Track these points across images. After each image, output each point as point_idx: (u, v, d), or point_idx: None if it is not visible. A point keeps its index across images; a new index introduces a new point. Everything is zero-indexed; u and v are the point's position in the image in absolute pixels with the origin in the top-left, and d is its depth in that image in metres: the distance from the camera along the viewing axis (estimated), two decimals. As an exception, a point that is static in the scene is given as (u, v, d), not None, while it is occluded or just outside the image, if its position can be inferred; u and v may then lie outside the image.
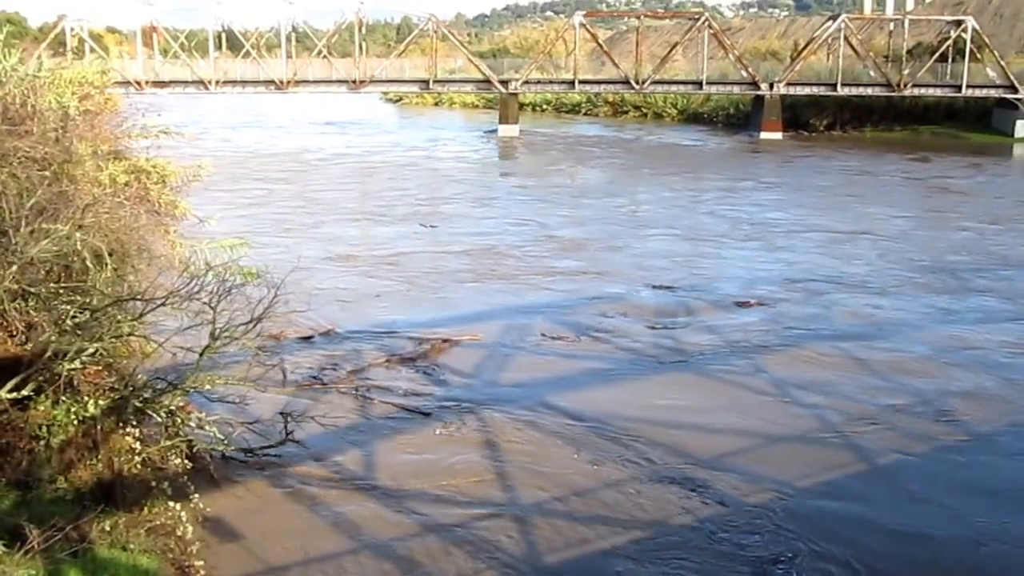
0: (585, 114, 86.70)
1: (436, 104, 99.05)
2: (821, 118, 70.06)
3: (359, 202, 39.06)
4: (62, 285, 13.48)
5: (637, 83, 67.72)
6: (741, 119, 73.32)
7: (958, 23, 67.54)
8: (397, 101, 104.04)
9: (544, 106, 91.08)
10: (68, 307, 12.98)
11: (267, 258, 18.05)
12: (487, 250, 30.66)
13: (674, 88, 72.31)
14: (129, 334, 13.65)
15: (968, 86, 65.02)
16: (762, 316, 23.42)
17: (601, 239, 32.95)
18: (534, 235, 33.34)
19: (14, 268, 12.19)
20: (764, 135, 66.34)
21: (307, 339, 20.57)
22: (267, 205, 38.75)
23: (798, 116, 69.35)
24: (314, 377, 18.50)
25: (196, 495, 12.93)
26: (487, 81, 68.79)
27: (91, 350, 12.65)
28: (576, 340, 21.41)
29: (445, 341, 20.32)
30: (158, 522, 12.04)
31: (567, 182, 47.30)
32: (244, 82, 68.00)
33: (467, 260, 29.44)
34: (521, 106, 74.05)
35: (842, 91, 66.78)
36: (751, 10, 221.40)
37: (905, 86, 65.61)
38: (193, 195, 20.84)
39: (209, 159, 22.58)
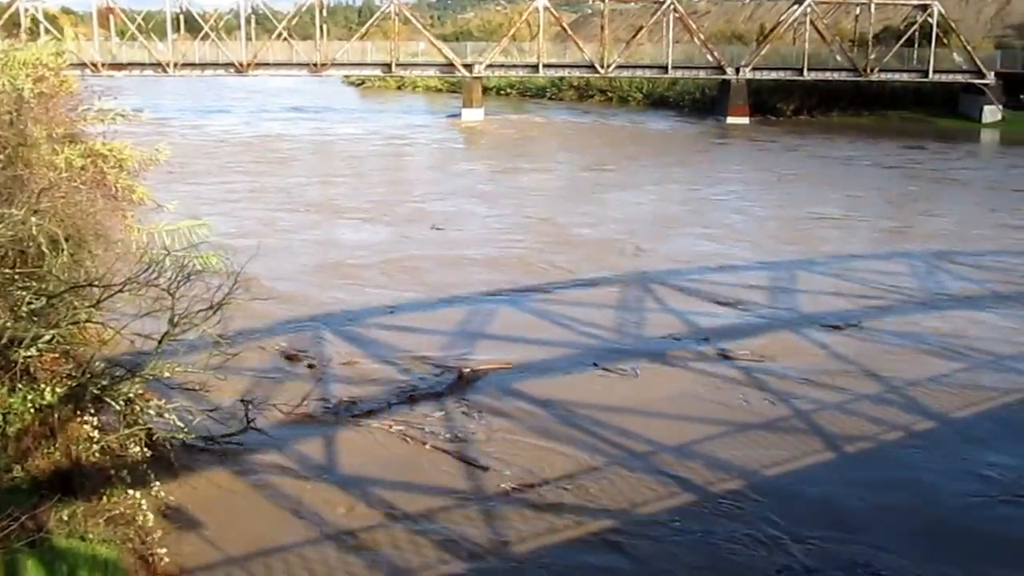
0: (550, 98, 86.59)
1: (399, 88, 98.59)
2: (788, 103, 70.32)
3: (346, 198, 37.81)
4: (17, 271, 13.20)
5: (602, 67, 67.64)
6: (707, 103, 73.44)
7: (924, 7, 67.81)
8: (359, 85, 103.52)
9: (508, 90, 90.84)
10: (24, 293, 12.72)
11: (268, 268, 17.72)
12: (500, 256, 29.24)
13: (639, 72, 72.27)
14: (87, 321, 13.41)
15: (935, 71, 65.40)
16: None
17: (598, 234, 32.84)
18: (549, 238, 31.09)
19: (-33, 254, 11.94)
20: (731, 120, 66.50)
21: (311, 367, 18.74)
22: (250, 201, 37.03)
23: (765, 101, 69.56)
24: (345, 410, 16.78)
25: (156, 484, 12.75)
26: (450, 65, 68.49)
27: (48, 337, 12.41)
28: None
29: (472, 371, 18.32)
30: (117, 511, 11.85)
31: (541, 175, 46.44)
32: (203, 65, 67.29)
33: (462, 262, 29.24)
34: (485, 90, 73.76)
35: (809, 76, 67.02)
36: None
37: (872, 71, 65.94)
38: (165, 188, 20.58)
39: (179, 147, 22.25)
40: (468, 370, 18.22)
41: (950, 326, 21.51)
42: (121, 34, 72.65)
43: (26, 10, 65.50)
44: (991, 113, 63.43)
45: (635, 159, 49.36)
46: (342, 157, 49.65)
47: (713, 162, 50.04)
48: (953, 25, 67.47)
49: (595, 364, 18.56)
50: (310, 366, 18.41)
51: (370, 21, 75.99)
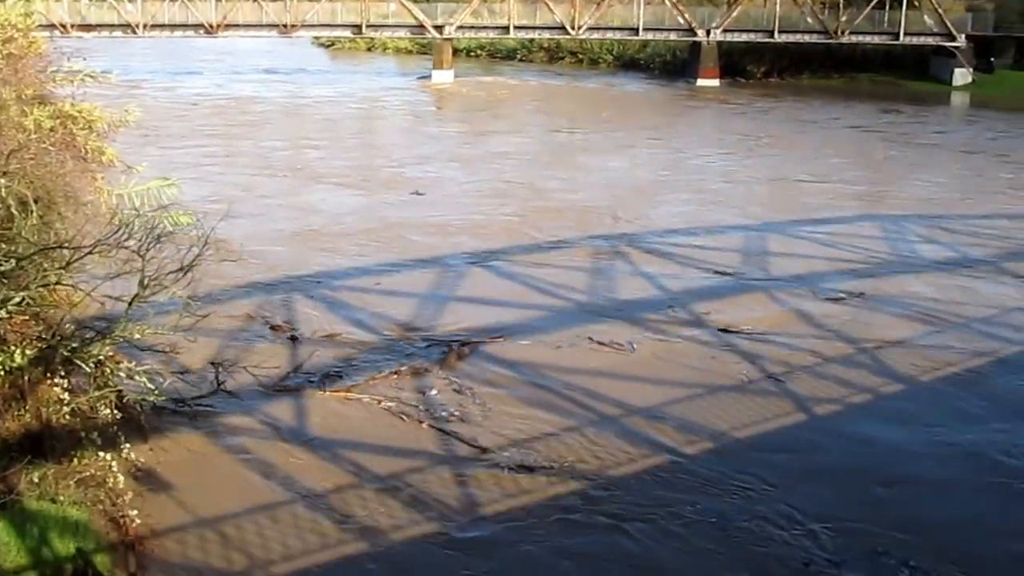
0: (520, 60, 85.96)
1: (369, 49, 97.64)
2: (759, 65, 70.13)
3: (324, 163, 37.01)
4: (-14, 233, 13.15)
5: (573, 29, 67.31)
6: (678, 66, 73.12)
7: (895, -31, 67.62)
8: (329, 46, 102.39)
9: (478, 51, 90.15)
10: (-8, 255, 12.67)
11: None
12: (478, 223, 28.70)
13: (610, 34, 71.90)
14: (56, 283, 13.38)
15: (906, 33, 65.34)
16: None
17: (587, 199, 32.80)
18: (527, 205, 30.65)
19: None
20: (701, 82, 66.34)
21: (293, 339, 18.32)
22: (226, 165, 36.22)
23: (735, 63, 69.36)
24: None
25: (127, 446, 12.77)
26: (420, 26, 67.93)
27: (17, 299, 12.38)
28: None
29: (464, 345, 17.95)
30: (88, 473, 11.88)
31: (518, 138, 45.96)
32: (173, 26, 66.44)
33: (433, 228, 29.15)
34: (455, 52, 73.22)
35: (779, 38, 66.83)
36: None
37: (842, 33, 65.84)
38: (138, 153, 20.32)
39: (150, 110, 21.98)
40: (461, 346, 17.89)
41: (931, 290, 21.85)
42: (90, -6, 71.62)
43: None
44: (962, 76, 63.51)
45: (610, 122, 49.17)
46: (316, 120, 49.17)
47: (688, 125, 49.98)
48: (924, -12, 67.48)
49: (590, 339, 18.27)
50: (293, 338, 18.09)
51: (340, -19, 75.12)
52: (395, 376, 16.41)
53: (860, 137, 45.58)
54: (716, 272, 22.81)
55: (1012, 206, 30.70)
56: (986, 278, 22.76)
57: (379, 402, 15.31)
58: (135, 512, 11.77)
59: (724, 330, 18.87)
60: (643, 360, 17.55)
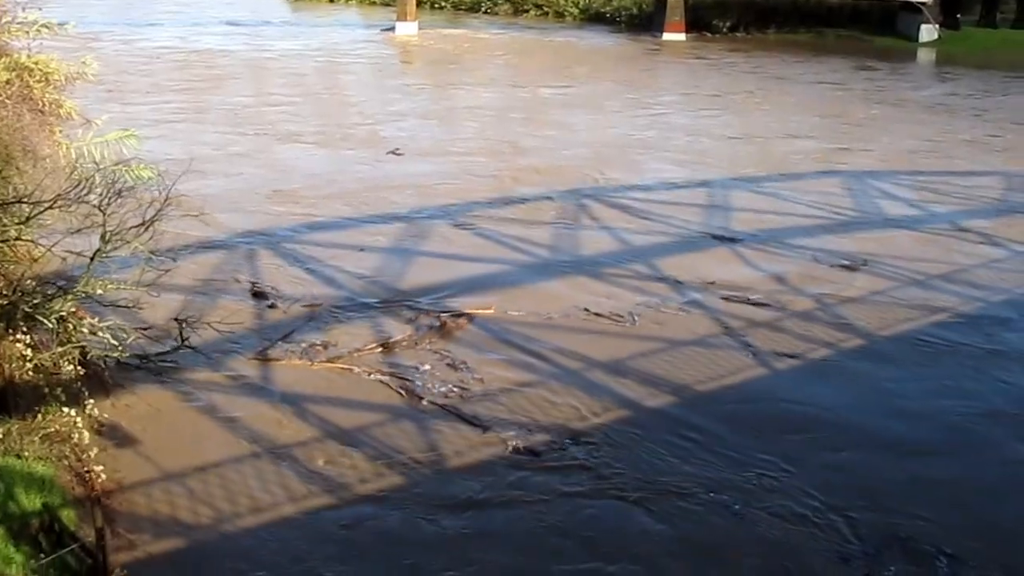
0: (485, 12, 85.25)
1: (331, 1, 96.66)
2: (725, 19, 69.89)
3: (296, 120, 35.65)
4: (-57, 188, 12.99)
5: (539, -19, 66.83)
6: (644, 19, 72.82)
7: (863, -79, 67.36)
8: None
9: (442, 3, 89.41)
10: (-50, 211, 12.54)
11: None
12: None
13: (577, -13, 71.53)
14: (16, 238, 13.27)
15: (873, -13, 65.27)
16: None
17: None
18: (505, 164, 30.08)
19: None
20: (667, 36, 66.09)
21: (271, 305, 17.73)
22: (194, 123, 34.91)
23: (701, 17, 69.10)
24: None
25: (91, 402, 12.73)
26: (386, -23, 67.28)
27: (-24, 255, 12.27)
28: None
29: (460, 316, 17.24)
30: (53, 429, 11.85)
31: (491, 93, 45.12)
32: (133, -25, 65.39)
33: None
34: (419, 3, 72.53)
35: (746, -8, 66.66)
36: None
37: (809, -13, 65.68)
38: (102, 109, 19.91)
39: (111, 64, 21.48)
40: (455, 316, 17.30)
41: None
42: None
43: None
44: (928, 32, 63.46)
45: (580, 77, 48.61)
46: (284, 75, 48.20)
47: (663, 81, 49.60)
48: (892, -59, 67.29)
49: (586, 309, 17.74)
50: (271, 306, 17.55)
51: (303, -69, 74.01)
52: (380, 348, 15.97)
53: (839, 95, 44.79)
54: (715, 236, 22.45)
55: (993, 164, 30.76)
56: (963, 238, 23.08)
57: (369, 374, 14.96)
58: (100, 468, 11.78)
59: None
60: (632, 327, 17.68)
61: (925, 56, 60.13)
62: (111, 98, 33.69)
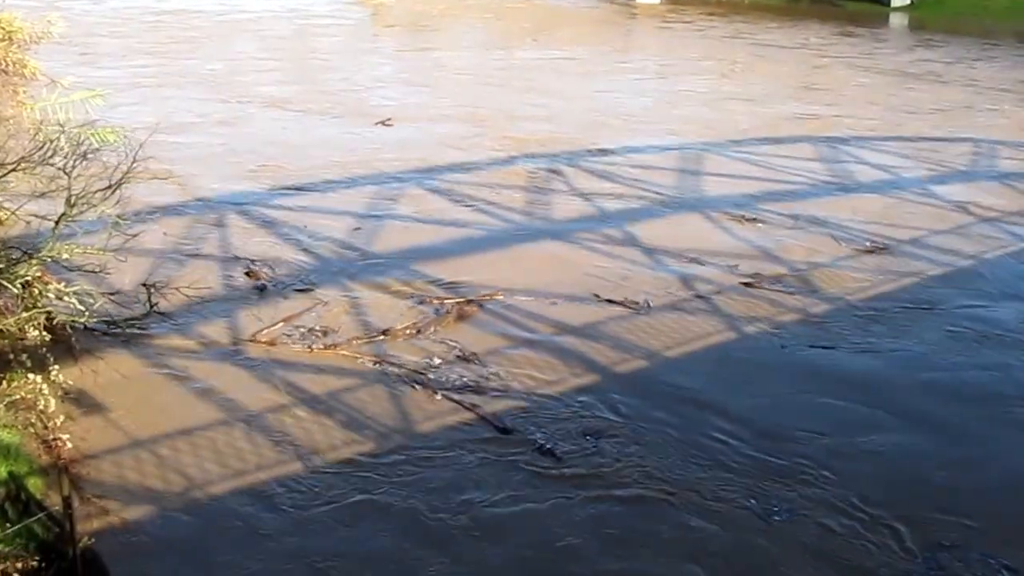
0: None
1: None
2: (697, -17, 69.61)
3: (279, 85, 34.40)
4: (-98, 150, 12.68)
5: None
6: (618, -17, 72.37)
7: None
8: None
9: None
10: (-90, 174, 12.24)
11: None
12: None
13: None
14: (-22, 202, 12.98)
15: (845, -48, 64.96)
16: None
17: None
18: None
19: None
20: (640, 0, 65.73)
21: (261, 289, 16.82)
22: (174, 88, 33.42)
23: (674, -20, 68.74)
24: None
25: (57, 368, 12.49)
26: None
27: (-63, 218, 12.00)
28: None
29: (470, 302, 16.32)
30: (18, 396, 11.63)
31: (474, 58, 44.21)
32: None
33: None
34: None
35: (718, -44, 66.25)
36: None
37: (780, -49, 65.36)
38: (74, 73, 19.38)
39: (81, 25, 20.91)
40: (467, 304, 16.37)
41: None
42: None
43: None
44: (899, -4, 63.46)
45: (563, 41, 47.70)
46: (262, 37, 46.81)
47: (649, 46, 49.00)
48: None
49: (596, 296, 16.76)
50: (260, 288, 16.67)
51: None
52: (383, 336, 15.11)
53: (830, 63, 44.05)
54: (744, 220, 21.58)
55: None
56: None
57: (376, 363, 14.20)
58: (68, 436, 11.62)
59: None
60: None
61: (898, 21, 59.94)
62: (83, 61, 33.00)
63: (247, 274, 17.21)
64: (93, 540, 9.74)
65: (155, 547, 10.28)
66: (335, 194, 22.04)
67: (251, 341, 14.68)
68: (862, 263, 18.78)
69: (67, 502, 9.30)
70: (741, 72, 40.24)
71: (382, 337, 14.95)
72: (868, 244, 19.71)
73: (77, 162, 12.70)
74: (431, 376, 13.84)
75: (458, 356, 14.47)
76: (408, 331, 15.20)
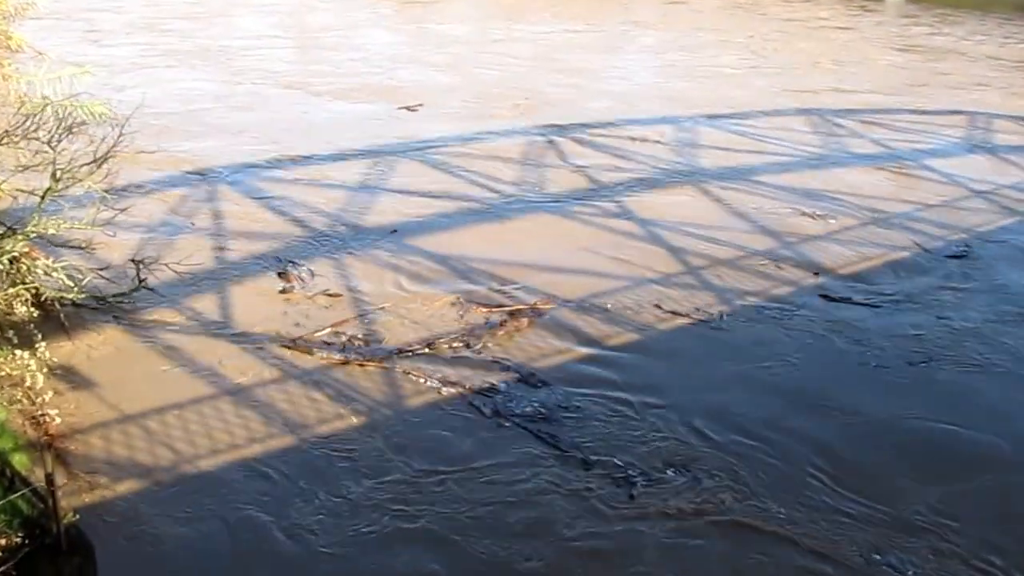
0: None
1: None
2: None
3: (295, 65, 33.47)
4: None
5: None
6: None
7: None
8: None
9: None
10: None
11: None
12: None
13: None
14: (-37, 176, 12.87)
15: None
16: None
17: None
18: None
19: None
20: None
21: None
22: (187, 68, 32.58)
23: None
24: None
25: (44, 343, 12.40)
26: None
27: (-79, 193, 11.90)
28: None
29: (512, 314, 14.81)
30: (5, 372, 11.57)
31: (483, 32, 43.14)
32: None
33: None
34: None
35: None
36: None
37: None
38: (80, 53, 19.08)
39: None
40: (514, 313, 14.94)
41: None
42: None
43: None
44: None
45: (562, 15, 47.10)
46: (270, 12, 46.34)
47: (670, 22, 48.31)
48: None
49: (658, 306, 15.19)
50: (283, 290, 15.55)
51: None
52: (429, 349, 13.81)
53: (844, 36, 43.34)
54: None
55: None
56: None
57: (423, 379, 12.91)
58: (55, 411, 11.56)
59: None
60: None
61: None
62: (85, 39, 32.56)
63: (280, 275, 16.10)
64: (78, 516, 9.69)
65: (142, 521, 10.22)
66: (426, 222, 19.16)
67: (288, 347, 13.62)
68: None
69: (49, 479, 9.24)
70: (763, 48, 39.82)
71: (427, 350, 13.62)
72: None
73: (63, 135, 12.60)
74: (492, 398, 12.59)
75: (516, 376, 13.07)
76: (456, 344, 13.84)
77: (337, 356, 13.44)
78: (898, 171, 22.81)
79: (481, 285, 15.84)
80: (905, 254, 17.74)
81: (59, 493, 9.48)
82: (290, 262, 16.64)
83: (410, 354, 13.54)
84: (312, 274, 16.18)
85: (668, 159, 23.19)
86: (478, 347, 13.81)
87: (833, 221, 19.32)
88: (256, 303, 15.09)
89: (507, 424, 12.01)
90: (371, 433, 11.73)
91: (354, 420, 11.97)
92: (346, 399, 12.39)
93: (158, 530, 10.09)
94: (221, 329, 14.22)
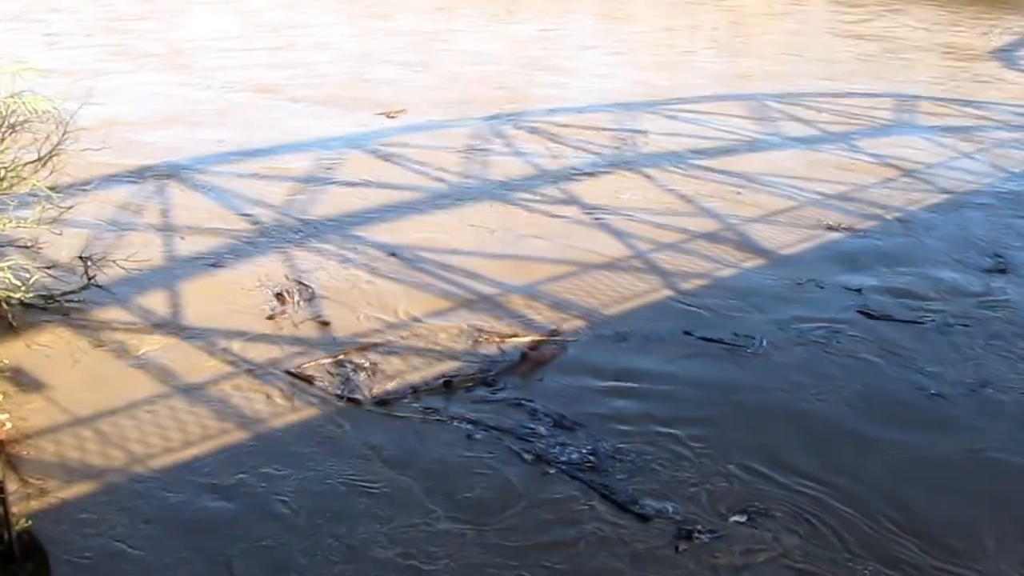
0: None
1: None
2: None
3: (269, 69, 31.97)
4: None
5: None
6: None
7: None
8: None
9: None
10: None
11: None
12: None
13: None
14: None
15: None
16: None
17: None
18: None
19: None
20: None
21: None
22: (155, 72, 31.32)
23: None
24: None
25: (-11, 346, 12.26)
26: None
27: None
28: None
29: (533, 348, 13.21)
30: (-51, 377, 11.41)
31: (459, 27, 43.76)
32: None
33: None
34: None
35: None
36: None
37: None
38: (45, 58, 18.81)
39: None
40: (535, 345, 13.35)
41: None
42: None
43: None
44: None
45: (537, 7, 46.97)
46: (238, 10, 45.70)
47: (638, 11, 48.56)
48: None
49: (686, 333, 13.77)
50: (271, 316, 14.40)
51: None
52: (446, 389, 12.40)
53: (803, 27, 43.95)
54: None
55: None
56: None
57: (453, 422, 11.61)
58: (5, 416, 11.41)
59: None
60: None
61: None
62: (50, 43, 31.88)
63: (277, 296, 15.00)
64: (30, 522, 9.55)
65: (97, 525, 10.09)
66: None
67: (289, 373, 12.73)
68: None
69: None
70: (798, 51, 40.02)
71: (444, 389, 12.30)
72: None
73: (5, 134, 12.42)
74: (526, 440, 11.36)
75: (545, 415, 11.69)
76: (472, 382, 12.48)
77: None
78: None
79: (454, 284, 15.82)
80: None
81: (10, 499, 9.34)
82: (298, 281, 15.55)
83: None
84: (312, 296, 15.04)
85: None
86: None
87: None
88: (211, 299, 14.94)
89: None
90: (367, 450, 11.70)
91: (312, 412, 11.93)
92: (303, 393, 12.30)
93: (114, 532, 9.96)
94: (174, 325, 14.07)
